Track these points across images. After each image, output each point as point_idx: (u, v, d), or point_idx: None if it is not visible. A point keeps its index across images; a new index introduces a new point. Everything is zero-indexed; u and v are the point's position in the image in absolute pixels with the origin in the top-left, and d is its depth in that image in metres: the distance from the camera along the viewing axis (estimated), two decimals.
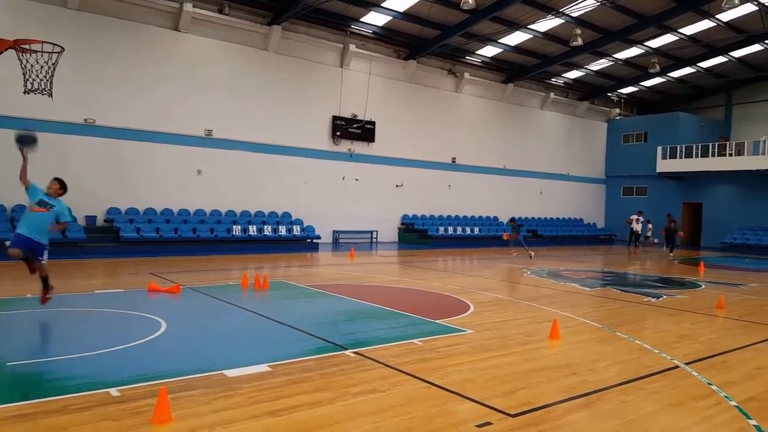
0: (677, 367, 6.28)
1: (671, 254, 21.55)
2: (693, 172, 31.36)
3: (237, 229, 20.24)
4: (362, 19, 23.38)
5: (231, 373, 5.48)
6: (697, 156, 30.86)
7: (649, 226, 29.29)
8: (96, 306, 8.97)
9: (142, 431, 4.12)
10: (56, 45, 9.08)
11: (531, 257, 19.98)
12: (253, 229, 20.63)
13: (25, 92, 9.33)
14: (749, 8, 23.41)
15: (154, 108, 19.77)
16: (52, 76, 9.31)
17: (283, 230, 21.37)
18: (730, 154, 29.92)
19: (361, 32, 24.22)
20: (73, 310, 8.70)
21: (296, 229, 21.80)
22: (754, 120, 33.63)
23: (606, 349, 7.02)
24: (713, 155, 30.33)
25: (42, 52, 9.10)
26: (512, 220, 21.98)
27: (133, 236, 17.96)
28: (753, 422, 4.66)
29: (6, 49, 8.34)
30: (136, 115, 19.38)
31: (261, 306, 9.59)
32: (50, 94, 9.38)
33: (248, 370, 5.58)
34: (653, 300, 11.21)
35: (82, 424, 4.20)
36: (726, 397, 5.28)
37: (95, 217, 18.70)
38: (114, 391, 4.87)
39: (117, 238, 17.88)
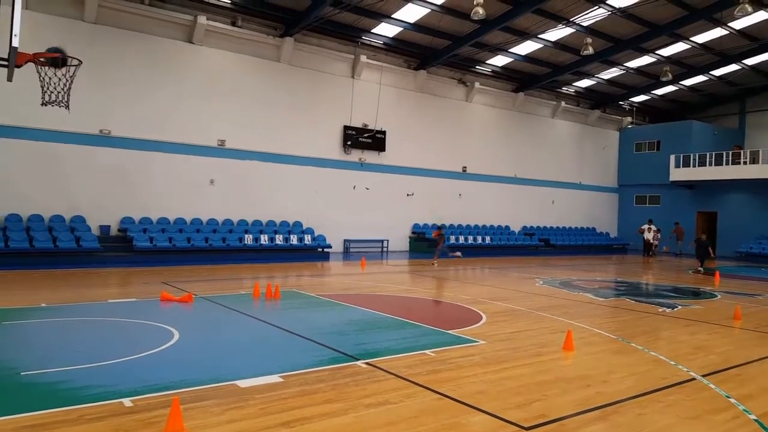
0: (694, 379, 6.19)
1: (700, 268, 20.39)
2: (707, 181, 31.09)
3: (249, 239, 20.32)
4: (373, 31, 23.51)
5: (243, 383, 5.49)
6: (710, 164, 30.60)
7: (658, 235, 29.10)
8: (109, 315, 9.03)
9: None
10: (74, 58, 9.20)
11: (434, 265, 19.35)
12: (264, 239, 20.71)
13: (43, 104, 9.45)
14: (763, 16, 23.26)
15: (168, 119, 19.98)
16: (70, 88, 9.43)
17: (294, 239, 21.42)
18: (745, 163, 29.64)
19: (373, 43, 24.35)
20: (86, 319, 8.76)
21: (307, 239, 21.85)
22: None
23: (621, 361, 6.94)
24: (727, 164, 30.07)
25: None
26: (438, 228, 21.16)
27: (147, 245, 18.09)
28: None
29: (25, 62, 8.47)
30: (150, 126, 19.60)
31: (273, 315, 9.61)
32: (67, 106, 9.50)
33: (260, 381, 5.59)
34: (668, 310, 11.09)
35: None
36: (745, 410, 5.19)
37: (109, 226, 18.87)
38: (127, 401, 4.89)
39: (130, 248, 18.02)
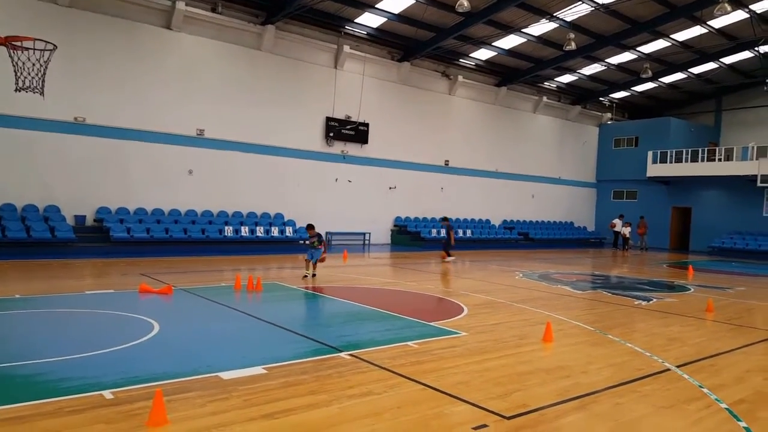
0: (668, 369, 6.34)
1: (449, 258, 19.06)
2: (682, 177, 31.64)
3: (228, 230, 20.16)
4: (356, 20, 23.38)
5: (226, 375, 5.47)
6: (686, 161, 31.14)
7: (628, 229, 29.67)
8: (87, 307, 8.91)
9: None
10: (48, 42, 9.01)
11: (307, 277, 13.16)
12: (245, 230, 20.56)
13: (16, 90, 9.25)
14: (740, 15, 23.65)
15: (146, 107, 19.66)
16: (44, 74, 9.24)
17: (275, 231, 21.31)
18: (719, 160, 30.21)
19: (356, 33, 24.22)
20: (63, 310, 8.63)
21: (288, 231, 21.75)
22: (743, 126, 33.97)
23: (598, 352, 7.07)
24: (702, 160, 30.63)
25: (34, 49, 9.03)
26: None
27: (124, 236, 17.85)
28: (743, 424, 4.72)
29: None
30: (127, 114, 19.27)
31: (254, 308, 9.57)
32: (42, 93, 9.31)
33: (243, 373, 5.57)
34: (643, 303, 11.30)
35: (76, 427, 4.17)
36: (717, 399, 5.34)
37: (85, 216, 18.56)
38: (108, 394, 4.84)
39: (107, 238, 17.75)
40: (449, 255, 19.57)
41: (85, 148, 18.51)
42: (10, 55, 9.05)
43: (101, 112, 18.79)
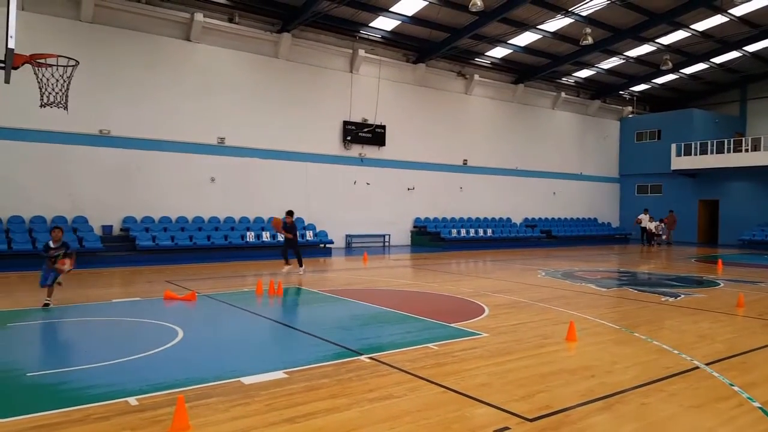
0: (697, 368, 6.20)
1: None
2: (708, 169, 31.03)
3: (251, 236, 20.33)
4: (371, 24, 23.44)
5: (248, 380, 5.51)
6: (712, 152, 30.56)
7: (662, 225, 29.08)
8: (113, 315, 9.06)
9: None
10: (71, 59, 9.19)
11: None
12: (266, 235, 20.71)
13: (41, 105, 9.46)
14: (763, 2, 23.13)
15: (167, 117, 19.97)
16: (68, 89, 9.43)
17: None
18: (746, 150, 29.57)
19: (370, 37, 24.28)
20: (91, 319, 8.79)
21: (309, 234, 21.85)
22: None
23: (624, 351, 6.94)
24: (728, 151, 30.01)
25: (57, 66, 9.23)
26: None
27: (149, 245, 18.12)
28: None
29: (22, 64, 8.46)
30: (149, 125, 19.60)
31: (276, 312, 9.63)
32: (66, 107, 9.50)
33: (265, 377, 5.60)
34: (671, 299, 11.08)
35: None
36: (749, 398, 5.19)
37: (111, 226, 18.90)
38: (133, 400, 4.91)
39: (133, 247, 18.05)
40: (288, 263, 14.99)
41: (110, 160, 18.87)
42: (34, 72, 9.26)
43: (125, 124, 19.13)
